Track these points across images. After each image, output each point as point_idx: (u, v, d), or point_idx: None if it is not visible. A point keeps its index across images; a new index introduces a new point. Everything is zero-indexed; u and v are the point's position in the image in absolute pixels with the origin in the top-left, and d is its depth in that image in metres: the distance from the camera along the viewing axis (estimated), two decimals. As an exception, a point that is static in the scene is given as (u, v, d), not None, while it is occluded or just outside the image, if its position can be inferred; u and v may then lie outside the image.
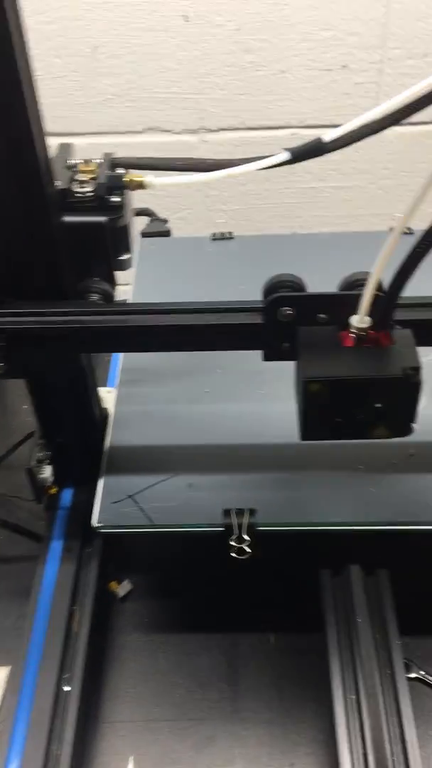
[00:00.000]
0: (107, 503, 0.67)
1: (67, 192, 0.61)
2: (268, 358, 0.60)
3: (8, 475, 0.84)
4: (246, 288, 0.87)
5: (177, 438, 0.72)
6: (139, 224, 1.02)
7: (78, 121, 1.24)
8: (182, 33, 1.16)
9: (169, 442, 0.71)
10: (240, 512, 0.64)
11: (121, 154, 1.27)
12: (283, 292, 0.57)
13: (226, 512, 0.64)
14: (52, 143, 1.22)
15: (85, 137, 1.26)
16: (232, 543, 0.64)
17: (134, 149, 1.28)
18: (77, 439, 0.74)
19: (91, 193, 0.62)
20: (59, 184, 0.61)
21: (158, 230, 0.96)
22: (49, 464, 0.75)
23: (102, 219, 0.62)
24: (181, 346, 0.61)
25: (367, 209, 1.35)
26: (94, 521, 0.65)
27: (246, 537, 0.63)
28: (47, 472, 0.74)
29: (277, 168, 0.63)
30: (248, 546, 0.63)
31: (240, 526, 0.63)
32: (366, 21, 1.16)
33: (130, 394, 0.76)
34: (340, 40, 1.18)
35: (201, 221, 1.24)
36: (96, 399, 0.73)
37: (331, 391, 0.54)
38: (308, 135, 1.24)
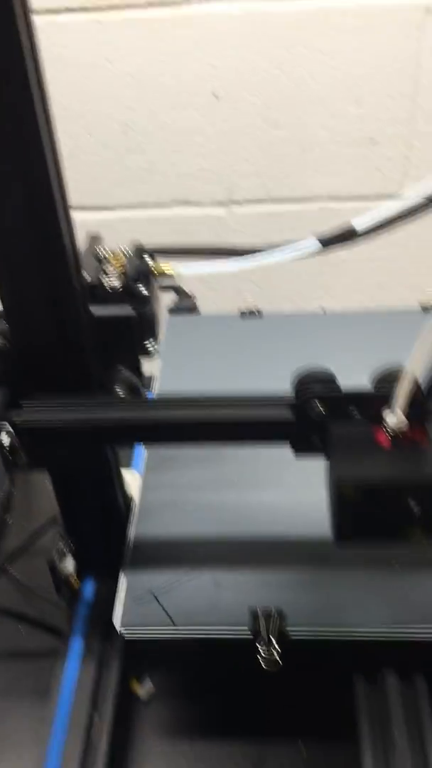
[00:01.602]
0: (130, 603, 0.64)
1: (95, 285, 0.60)
2: (298, 452, 0.58)
3: (28, 560, 0.82)
4: (275, 369, 0.87)
5: (203, 529, 0.69)
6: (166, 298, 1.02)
7: (107, 195, 1.26)
8: (212, 110, 1.17)
9: (195, 534, 0.69)
10: (268, 615, 0.61)
11: (149, 227, 1.30)
12: (314, 389, 0.55)
13: (254, 615, 0.61)
14: (82, 217, 1.24)
15: (114, 211, 1.28)
16: (260, 649, 0.60)
17: (163, 222, 1.30)
18: (100, 529, 0.72)
19: (119, 285, 0.61)
20: (87, 276, 0.60)
21: (186, 306, 0.95)
22: (70, 555, 0.72)
23: (129, 311, 0.61)
24: (208, 440, 0.59)
25: (398, 280, 1.34)
26: (118, 624, 0.62)
27: (274, 643, 0.60)
28: (69, 564, 0.72)
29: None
30: (277, 653, 0.60)
31: (268, 630, 0.60)
32: (394, 96, 1.17)
33: (155, 480, 0.74)
34: (369, 114, 1.19)
35: (228, 290, 1.24)
36: (120, 487, 0.71)
37: (365, 495, 0.51)
38: (336, 208, 1.26)
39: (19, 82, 0.46)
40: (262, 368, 0.86)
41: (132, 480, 0.77)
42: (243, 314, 0.94)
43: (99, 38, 1.11)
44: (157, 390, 0.86)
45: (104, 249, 0.64)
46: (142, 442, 0.67)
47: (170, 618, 0.62)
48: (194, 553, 0.67)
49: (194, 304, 0.96)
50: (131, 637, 0.63)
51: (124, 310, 0.60)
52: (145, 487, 0.74)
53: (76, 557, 0.73)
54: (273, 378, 0.82)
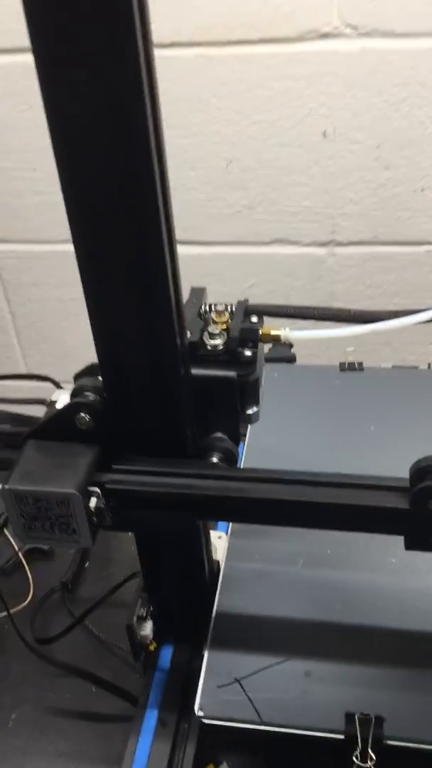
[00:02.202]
0: (211, 686, 0.59)
1: (197, 344, 0.57)
2: (411, 547, 0.52)
3: (105, 615, 0.79)
4: (375, 429, 0.81)
5: (295, 609, 0.64)
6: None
7: (206, 231, 1.23)
8: (319, 149, 1.13)
9: (286, 613, 0.64)
10: (366, 720, 0.55)
11: (247, 263, 1.26)
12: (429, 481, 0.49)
13: (349, 717, 0.55)
14: (180, 251, 1.22)
15: (212, 246, 1.25)
16: (354, 755, 0.54)
17: (261, 259, 1.26)
18: (183, 594, 0.68)
19: (223, 347, 0.57)
20: (190, 335, 0.57)
21: (283, 356, 0.91)
22: (150, 619, 0.68)
23: (232, 374, 0.57)
24: (307, 523, 0.54)
25: None
26: (196, 707, 0.58)
27: (370, 751, 0.54)
28: (148, 628, 0.68)
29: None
30: (372, 762, 0.54)
31: (365, 737, 0.54)
32: None
33: (242, 546, 0.70)
34: None
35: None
36: (207, 551, 0.67)
37: None
38: (445, 253, 1.19)
39: (138, 119, 0.42)
40: (361, 427, 0.80)
41: (219, 543, 0.72)
42: (342, 366, 0.89)
43: (207, 73, 1.09)
44: (246, 441, 0.82)
45: (208, 305, 0.60)
46: (235, 519, 0.63)
47: (256, 711, 0.57)
48: (283, 636, 0.62)
49: (292, 353, 0.91)
50: (211, 723, 0.58)
51: (226, 372, 0.56)
52: (231, 555, 0.70)
53: (155, 620, 0.69)
54: (373, 438, 0.77)
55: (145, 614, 0.67)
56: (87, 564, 0.87)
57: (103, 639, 0.78)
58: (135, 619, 0.67)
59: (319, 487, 0.53)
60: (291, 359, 0.91)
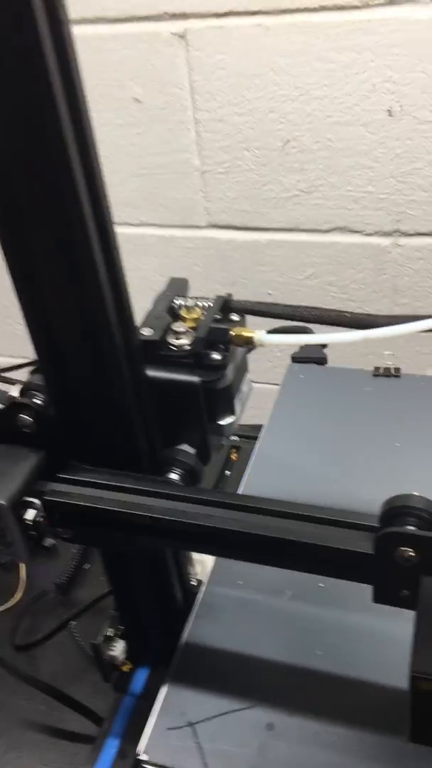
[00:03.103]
0: (162, 726, 0.53)
1: (159, 343, 0.50)
2: (378, 599, 0.43)
3: (96, 622, 0.73)
4: (401, 446, 0.71)
5: (271, 649, 0.56)
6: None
7: (261, 216, 1.15)
8: (385, 128, 1.03)
9: (261, 653, 0.56)
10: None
11: (304, 252, 1.17)
12: (403, 525, 0.40)
13: (305, 783, 0.48)
14: (231, 236, 1.14)
15: (267, 233, 1.17)
16: None
17: (319, 248, 1.17)
18: (156, 615, 0.61)
19: (188, 348, 0.50)
20: (149, 333, 0.50)
21: (313, 356, 0.82)
22: (121, 639, 0.62)
23: (195, 380, 0.49)
24: (259, 560, 0.47)
25: None
26: (141, 749, 0.52)
27: None
28: (118, 649, 0.62)
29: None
30: None
31: None
32: None
33: (228, 568, 0.62)
34: None
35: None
36: (181, 574, 0.60)
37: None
38: None
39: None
40: (386, 442, 0.71)
41: (207, 560, 0.66)
42: (377, 372, 0.79)
43: (264, 44, 1.01)
44: (259, 444, 0.74)
45: (181, 299, 0.53)
46: (181, 546, 0.56)
47: (204, 763, 0.50)
48: (252, 679, 0.55)
49: (323, 354, 0.82)
50: (154, 769, 0.52)
51: (188, 377, 0.49)
52: (215, 575, 0.63)
53: (128, 639, 0.63)
54: (398, 457, 0.67)
55: (113, 634, 0.62)
56: (87, 566, 0.82)
57: (87, 650, 0.73)
58: (102, 638, 0.61)
59: (278, 518, 0.45)
60: (321, 360, 0.82)
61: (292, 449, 0.72)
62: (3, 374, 1.02)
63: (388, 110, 1.01)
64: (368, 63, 0.98)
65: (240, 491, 0.70)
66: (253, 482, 0.70)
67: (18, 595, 0.77)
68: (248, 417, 1.30)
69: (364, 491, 0.65)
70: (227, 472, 0.86)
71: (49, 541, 0.83)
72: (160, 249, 1.25)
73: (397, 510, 0.41)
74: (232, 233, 1.19)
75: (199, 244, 1.22)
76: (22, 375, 1.00)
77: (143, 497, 0.48)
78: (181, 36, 1.03)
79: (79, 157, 0.39)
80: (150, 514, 0.47)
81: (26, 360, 1.05)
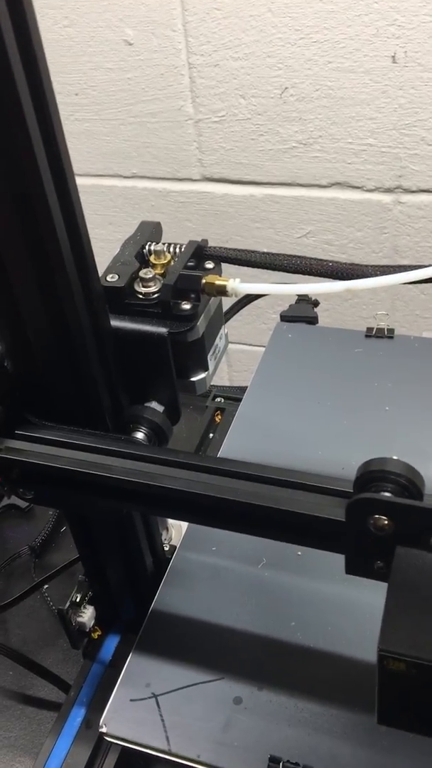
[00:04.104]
0: (124, 697, 0.50)
1: (124, 290, 0.46)
2: (350, 570, 0.40)
3: (70, 585, 0.71)
4: (390, 410, 0.68)
5: (242, 619, 0.53)
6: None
7: (257, 169, 1.10)
8: (388, 76, 0.97)
9: (231, 623, 0.53)
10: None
11: (302, 209, 1.12)
12: (379, 492, 0.37)
13: (273, 763, 0.45)
14: (223, 190, 1.09)
15: (263, 187, 1.12)
16: None
17: (318, 204, 1.12)
18: (126, 582, 0.59)
19: (155, 296, 0.46)
20: (114, 279, 0.46)
21: (302, 314, 0.78)
22: (90, 605, 0.60)
23: (162, 331, 0.46)
24: (225, 525, 0.43)
25: None
26: (101, 721, 0.49)
27: None
28: (87, 615, 0.59)
29: None
30: None
31: (285, 793, 0.44)
32: None
33: (201, 533, 0.59)
34: None
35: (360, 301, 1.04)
36: (149, 539, 0.57)
37: (420, 675, 0.33)
38: None
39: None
40: (375, 404, 0.67)
41: (179, 524, 0.63)
42: (369, 332, 0.75)
43: (261, -17, 0.95)
44: (240, 407, 0.71)
45: (153, 245, 0.48)
46: (145, 510, 0.52)
47: (167, 737, 0.47)
48: (221, 650, 0.52)
49: (314, 313, 0.78)
50: (115, 743, 0.49)
51: (155, 328, 0.45)
52: (187, 540, 0.59)
53: (97, 605, 0.60)
54: (386, 421, 0.63)
55: (80, 599, 0.59)
56: (63, 528, 0.79)
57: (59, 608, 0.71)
58: (68, 604, 0.58)
59: (247, 481, 0.42)
60: (312, 320, 0.78)
61: (274, 411, 0.68)
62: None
63: (392, 56, 0.95)
64: (372, 5, 0.92)
65: (219, 454, 0.66)
66: (232, 445, 0.66)
67: (-10, 557, 0.75)
68: (238, 379, 1.26)
69: (347, 456, 0.61)
70: (211, 435, 0.83)
71: (23, 503, 0.81)
72: (152, 203, 1.20)
73: (372, 475, 0.37)
74: (226, 187, 1.14)
75: (192, 198, 1.17)
76: None
77: (105, 456, 0.45)
78: (175, -28, 0.97)
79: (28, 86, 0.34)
80: (111, 475, 0.43)
81: None
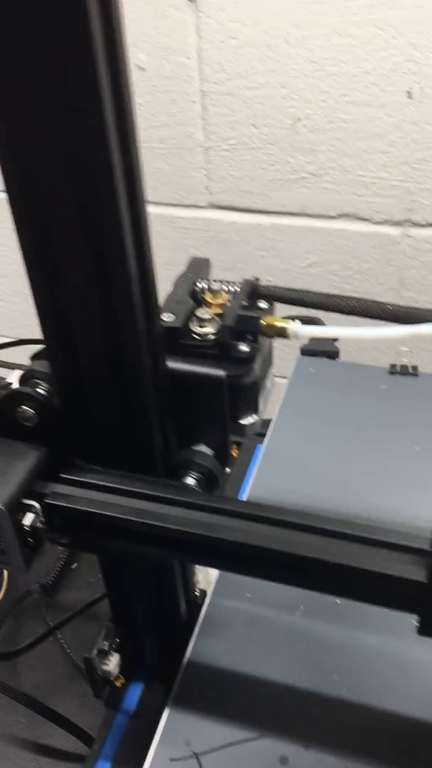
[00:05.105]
0: (163, 756, 0.47)
1: (181, 331, 0.44)
2: (424, 631, 0.38)
3: (83, 628, 0.68)
4: (421, 451, 0.67)
5: (283, 672, 0.51)
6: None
7: (265, 198, 1.09)
8: (403, 111, 0.97)
9: (271, 676, 0.51)
10: None
11: (309, 239, 1.12)
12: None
13: None
14: (231, 218, 1.08)
15: (271, 216, 1.11)
16: None
17: (325, 235, 1.11)
18: (156, 629, 0.56)
19: (213, 337, 0.44)
20: (170, 318, 0.44)
21: (324, 349, 0.77)
22: (116, 652, 0.57)
23: (220, 374, 0.44)
24: (288, 581, 0.42)
25: None
26: (140, 782, 0.46)
27: None
28: (112, 663, 0.57)
29: None
30: None
31: None
32: None
33: (234, 579, 0.57)
34: None
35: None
36: (185, 586, 0.55)
37: None
38: None
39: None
40: (404, 445, 0.66)
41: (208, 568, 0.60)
42: (393, 369, 0.74)
43: (279, 13, 0.94)
44: (264, 445, 0.69)
45: (205, 282, 0.47)
46: (195, 561, 0.50)
47: (210, 800, 0.45)
48: (263, 705, 0.50)
49: (335, 347, 0.77)
50: (156, 806, 0.46)
51: (213, 370, 0.44)
52: (219, 586, 0.57)
53: (123, 652, 0.58)
54: (417, 464, 0.62)
55: (108, 647, 0.56)
56: (74, 565, 0.76)
57: (74, 659, 0.68)
58: (95, 651, 0.56)
59: (310, 534, 0.40)
60: (333, 354, 0.77)
61: (302, 450, 0.67)
62: (-15, 354, 0.96)
63: (408, 92, 0.95)
64: (390, 40, 0.93)
65: (246, 492, 0.65)
66: (261, 483, 0.64)
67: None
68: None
69: (386, 500, 0.60)
70: (227, 470, 0.81)
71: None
72: (157, 228, 1.17)
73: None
74: (233, 215, 1.13)
75: (198, 224, 1.16)
76: (6, 355, 0.94)
77: (158, 504, 0.42)
78: (192, 0, 0.96)
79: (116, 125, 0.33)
80: (167, 525, 0.41)
81: (10, 339, 0.99)
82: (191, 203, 1.14)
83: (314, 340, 0.78)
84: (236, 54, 0.99)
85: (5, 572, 0.73)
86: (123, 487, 0.43)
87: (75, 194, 0.34)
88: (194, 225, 1.16)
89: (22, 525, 0.43)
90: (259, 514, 0.41)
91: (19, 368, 0.80)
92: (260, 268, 1.16)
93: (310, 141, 1.03)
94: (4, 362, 0.92)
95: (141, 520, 0.42)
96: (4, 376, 0.67)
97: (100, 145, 0.33)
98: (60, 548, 0.76)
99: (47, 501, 0.43)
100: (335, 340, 0.79)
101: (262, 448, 0.68)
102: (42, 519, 0.43)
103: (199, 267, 0.49)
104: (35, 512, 0.43)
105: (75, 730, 0.61)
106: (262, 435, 0.71)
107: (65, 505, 0.43)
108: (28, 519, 0.43)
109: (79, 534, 0.45)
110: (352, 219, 1.08)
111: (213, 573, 0.59)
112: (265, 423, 0.73)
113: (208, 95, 1.03)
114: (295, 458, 0.66)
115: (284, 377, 0.79)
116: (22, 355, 0.86)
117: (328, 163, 1.04)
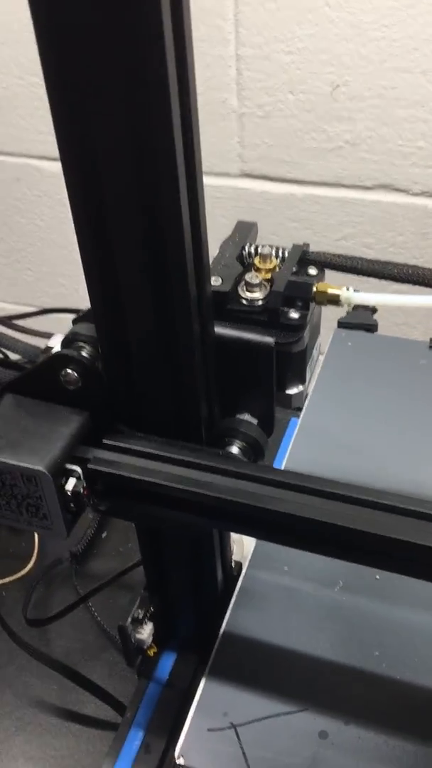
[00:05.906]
0: (201, 726, 0.47)
1: (229, 295, 0.43)
2: None
3: (114, 596, 0.68)
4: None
5: (322, 646, 0.51)
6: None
7: (300, 167, 1.07)
8: (445, 78, 0.94)
9: (310, 650, 0.50)
10: None
11: (343, 210, 1.09)
12: None
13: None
14: (263, 188, 1.05)
15: (304, 186, 1.09)
16: None
17: (360, 206, 1.09)
18: (191, 599, 0.56)
19: (262, 303, 0.43)
20: (218, 282, 0.43)
21: (361, 322, 0.75)
22: (149, 621, 0.56)
23: (269, 340, 0.42)
24: (340, 555, 0.40)
25: None
26: (177, 751, 0.46)
27: None
28: (146, 632, 0.56)
29: None
30: None
31: None
32: None
33: (270, 551, 0.56)
34: None
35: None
36: (223, 556, 0.54)
37: None
38: None
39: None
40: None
41: (245, 539, 0.59)
42: (435, 344, 0.72)
43: (321, -25, 0.91)
44: (300, 420, 0.67)
45: (254, 246, 0.45)
46: (241, 531, 0.49)
47: (248, 770, 0.45)
48: (302, 679, 0.49)
49: (374, 320, 0.75)
50: (192, 775, 0.46)
51: (261, 337, 0.42)
52: (255, 557, 0.56)
53: (156, 621, 0.57)
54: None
55: (142, 616, 0.56)
56: (104, 534, 0.76)
57: (105, 627, 0.67)
58: (130, 620, 0.55)
59: (358, 506, 0.39)
60: (371, 327, 0.75)
61: (339, 423, 0.65)
62: (13, 321, 0.95)
63: (452, 57, 0.92)
64: (435, 2, 0.90)
65: (282, 465, 0.63)
66: (297, 456, 0.63)
67: (30, 564, 0.71)
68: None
69: (426, 474, 0.59)
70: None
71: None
72: (187, 197, 1.16)
73: None
74: (266, 184, 1.11)
75: (228, 194, 1.13)
76: (31, 324, 0.93)
77: (202, 473, 0.41)
78: (230, -41, 0.94)
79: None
80: (212, 494, 0.40)
81: (35, 309, 0.98)
82: (222, 171, 1.11)
83: (352, 313, 0.76)
84: (274, 17, 0.96)
85: (36, 541, 0.73)
86: (167, 455, 0.42)
87: (131, 154, 0.33)
88: (224, 194, 1.13)
89: (65, 490, 0.42)
90: (305, 485, 0.40)
91: (44, 337, 0.79)
92: (291, 240, 1.13)
93: (348, 109, 1.00)
94: (32, 330, 0.91)
95: (185, 488, 0.41)
96: (34, 344, 0.66)
97: (161, 100, 0.31)
98: (90, 517, 0.76)
99: (89, 466, 0.42)
100: (374, 312, 0.77)
101: (298, 421, 0.67)
102: (84, 485, 0.43)
103: (246, 231, 0.47)
104: (77, 477, 0.42)
105: (106, 698, 0.61)
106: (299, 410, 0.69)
107: (108, 470, 0.42)
108: (71, 484, 0.42)
109: (120, 501, 0.44)
110: (388, 190, 1.06)
111: (248, 545, 0.58)
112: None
113: (243, 59, 1.00)
114: (332, 432, 0.64)
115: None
116: (47, 325, 0.85)
117: (366, 132, 1.01)
